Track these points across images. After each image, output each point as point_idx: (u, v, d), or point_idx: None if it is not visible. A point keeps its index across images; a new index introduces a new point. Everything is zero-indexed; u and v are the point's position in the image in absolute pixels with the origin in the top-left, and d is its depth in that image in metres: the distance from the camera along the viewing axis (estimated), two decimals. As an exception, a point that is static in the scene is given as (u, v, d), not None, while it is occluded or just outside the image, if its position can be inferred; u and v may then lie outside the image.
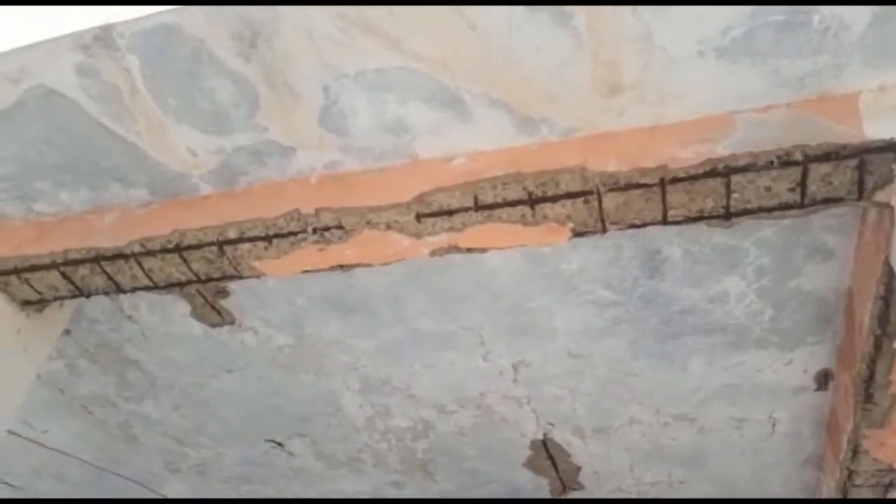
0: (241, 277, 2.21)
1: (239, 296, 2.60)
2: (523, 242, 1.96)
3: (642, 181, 1.82)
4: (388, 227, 1.97)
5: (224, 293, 2.58)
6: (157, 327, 2.80)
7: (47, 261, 2.26)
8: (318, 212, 2.02)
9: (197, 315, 2.72)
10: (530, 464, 3.53)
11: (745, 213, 1.83)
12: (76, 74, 1.87)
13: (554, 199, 1.85)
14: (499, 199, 1.89)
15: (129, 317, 2.76)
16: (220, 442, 3.61)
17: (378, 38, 1.69)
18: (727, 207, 1.82)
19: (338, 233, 2.02)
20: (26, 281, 2.32)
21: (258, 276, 2.19)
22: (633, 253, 2.27)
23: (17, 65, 1.87)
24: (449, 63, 1.73)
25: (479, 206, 1.90)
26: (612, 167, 1.83)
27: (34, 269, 2.28)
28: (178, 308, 2.69)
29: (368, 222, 1.97)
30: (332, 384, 3.09)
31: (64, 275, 2.28)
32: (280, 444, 3.59)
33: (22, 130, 2.04)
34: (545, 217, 1.88)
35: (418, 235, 1.97)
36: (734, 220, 1.85)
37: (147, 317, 2.75)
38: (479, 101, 1.82)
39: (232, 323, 2.74)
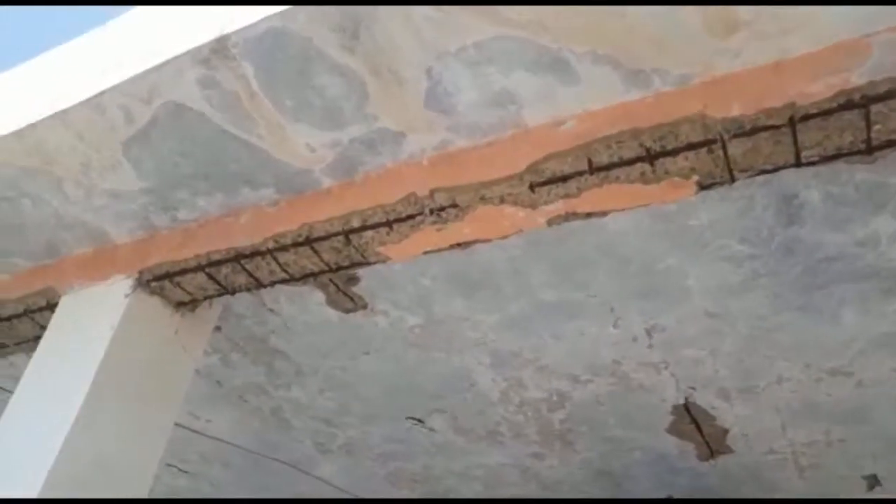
0: (368, 263, 2.29)
1: (368, 281, 2.69)
2: (645, 202, 1.88)
3: (769, 123, 1.69)
4: (502, 200, 1.96)
5: (354, 280, 2.68)
6: (297, 317, 2.97)
7: (193, 263, 2.45)
8: (432, 192, 2.05)
9: (331, 302, 2.85)
10: (673, 429, 3.42)
11: (890, 144, 1.66)
12: (199, 87, 2.00)
13: (674, 152, 1.77)
14: (615, 159, 1.83)
15: (271, 309, 2.94)
16: (365, 421, 3.79)
17: (473, 10, 1.67)
18: (868, 141, 1.66)
19: (453, 211, 2.04)
20: (178, 284, 2.53)
21: (384, 261, 2.26)
22: (766, 201, 2.13)
23: (147, 86, 2.03)
24: (548, 25, 1.68)
25: (594, 169, 1.85)
26: (734, 111, 1.72)
27: (183, 272, 2.48)
28: (314, 297, 2.83)
29: (482, 198, 1.98)
30: (464, 360, 3.14)
31: (209, 275, 2.46)
32: (421, 421, 3.71)
33: (158, 146, 2.22)
34: (667, 172, 1.80)
35: (533, 206, 1.95)
36: (877, 154, 1.68)
37: (287, 308, 2.92)
38: (584, 59, 1.77)
39: (364, 307, 2.85)
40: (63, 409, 2.21)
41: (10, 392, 3.88)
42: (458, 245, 2.12)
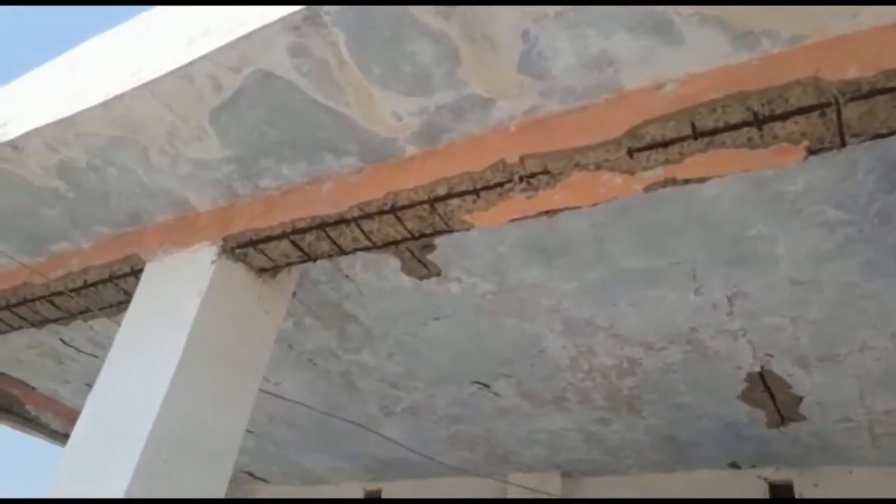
0: (451, 231, 2.28)
1: (443, 248, 2.69)
2: (749, 167, 1.82)
3: (890, 85, 1.61)
4: (598, 166, 1.92)
5: (430, 247, 2.69)
6: (372, 283, 2.99)
7: (278, 231, 2.47)
8: (522, 159, 2.02)
9: (406, 269, 2.86)
10: (745, 396, 3.38)
11: None
12: (289, 55, 1.99)
13: (784, 116, 1.70)
14: (720, 124, 1.77)
15: (347, 276, 2.97)
16: (430, 385, 3.83)
17: (582, -29, 1.62)
18: None
19: (545, 178, 2.01)
20: (261, 251, 2.56)
21: (467, 229, 2.25)
22: (869, 166, 2.04)
23: (236, 54, 2.03)
24: (658, -15, 1.62)
25: (697, 134, 1.79)
26: (851, 74, 1.64)
27: (267, 239, 2.51)
28: (389, 264, 2.84)
29: (577, 164, 1.94)
30: (535, 327, 3.13)
31: (293, 242, 2.49)
32: (486, 386, 3.74)
33: (245, 114, 2.22)
34: (775, 137, 1.74)
35: (631, 171, 1.91)
36: None
37: (362, 275, 2.95)
38: (690, 21, 1.70)
39: (438, 274, 2.86)
40: (158, 372, 2.28)
41: (88, 354, 4.03)
42: (547, 213, 2.09)
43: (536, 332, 3.17)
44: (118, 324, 3.32)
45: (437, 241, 2.64)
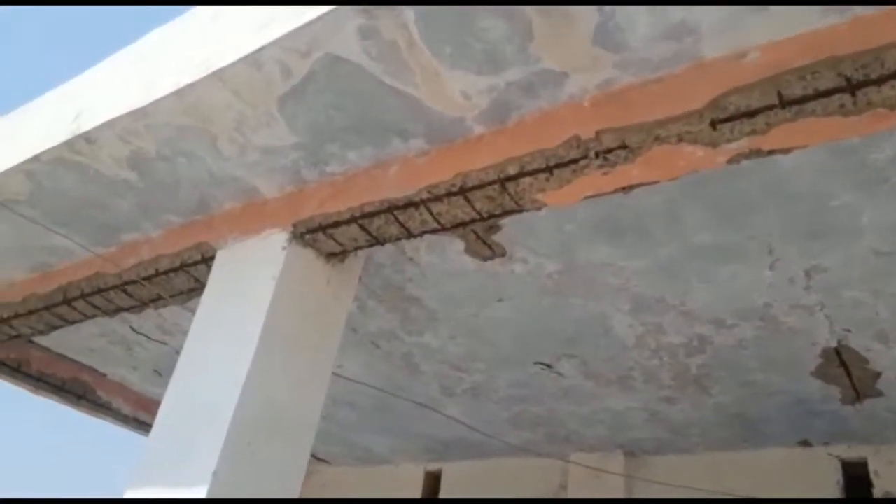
0: (521, 211, 2.26)
1: (509, 229, 2.67)
2: (841, 136, 1.75)
3: None
4: (680, 139, 1.87)
5: (495, 228, 2.67)
6: (435, 266, 2.99)
7: (346, 216, 2.48)
8: (598, 134, 1.98)
9: (470, 251, 2.85)
10: (819, 372, 3.29)
11: None
12: (358, 38, 1.98)
13: (880, 81, 1.62)
14: (809, 91, 1.70)
15: (411, 258, 2.97)
16: (492, 366, 3.83)
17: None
18: None
19: (622, 153, 1.96)
20: (330, 236, 2.58)
21: (539, 208, 2.23)
22: (966, 129, 1.94)
23: (306, 39, 2.03)
24: (746, -53, 1.55)
25: (785, 103, 1.72)
26: (955, 31, 1.55)
27: (336, 224, 2.52)
28: (453, 246, 2.84)
29: (657, 137, 1.89)
30: (601, 306, 3.10)
31: (362, 227, 2.50)
32: (549, 366, 3.72)
33: (313, 100, 2.23)
34: (869, 104, 1.66)
35: (714, 144, 1.85)
36: None
37: (426, 257, 2.95)
38: (778, -16, 1.63)
39: (503, 255, 2.84)
40: (237, 357, 2.32)
41: (156, 341, 4.14)
42: (624, 189, 2.05)
43: (603, 312, 3.13)
44: (190, 311, 3.40)
45: (503, 221, 2.62)
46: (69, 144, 2.63)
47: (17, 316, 3.70)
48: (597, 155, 1.98)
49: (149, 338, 4.15)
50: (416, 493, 5.63)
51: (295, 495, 2.33)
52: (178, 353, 4.23)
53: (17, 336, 3.95)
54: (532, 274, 2.94)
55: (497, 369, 3.86)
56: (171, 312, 3.76)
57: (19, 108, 3.17)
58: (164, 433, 2.36)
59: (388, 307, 3.39)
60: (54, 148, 2.66)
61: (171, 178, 2.72)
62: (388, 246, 2.80)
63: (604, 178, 2.03)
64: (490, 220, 2.35)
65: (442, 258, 2.93)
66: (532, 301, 3.14)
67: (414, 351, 3.80)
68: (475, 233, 2.72)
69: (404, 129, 2.29)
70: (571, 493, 4.82)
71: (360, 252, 2.76)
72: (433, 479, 5.71)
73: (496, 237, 2.73)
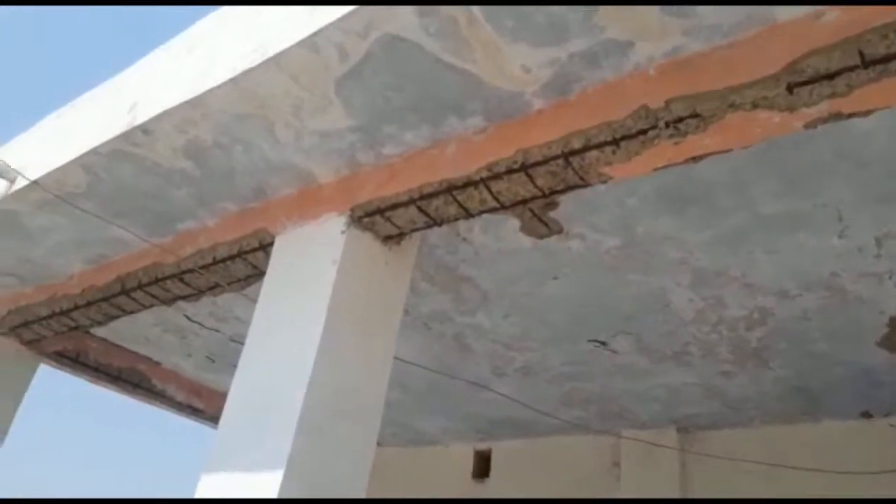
0: (586, 186, 2.22)
1: (566, 205, 2.63)
2: (929, 94, 1.68)
3: None
4: (755, 105, 1.81)
5: (553, 205, 2.63)
6: (489, 245, 2.97)
7: (405, 198, 2.47)
8: (668, 103, 1.93)
9: (525, 229, 2.82)
10: (886, 342, 3.20)
11: None
12: (417, 16, 1.95)
13: (971, 34, 1.54)
14: (893, 50, 1.62)
15: (465, 239, 2.96)
16: (545, 344, 3.81)
17: None
18: None
19: (693, 122, 1.91)
20: (388, 218, 2.57)
21: (604, 182, 2.19)
22: None
23: (364, 19, 2.01)
24: None
25: (867, 63, 1.65)
26: None
27: (394, 206, 2.51)
28: (508, 225, 2.81)
29: (731, 104, 1.83)
30: (661, 281, 3.05)
31: (420, 208, 2.48)
32: (603, 343, 3.68)
33: (370, 81, 2.21)
34: (960, 59, 1.58)
35: (791, 108, 1.78)
36: None
37: (480, 237, 2.92)
38: (862, -63, 1.56)
39: (559, 232, 2.80)
40: (304, 341, 2.34)
41: (210, 328, 4.20)
42: (694, 158, 2.00)
43: (662, 287, 3.09)
44: (245, 297, 3.45)
45: (561, 198, 2.58)
46: (126, 136, 2.66)
47: (76, 307, 3.78)
48: (667, 125, 1.93)
49: (202, 325, 4.22)
50: (466, 473, 5.67)
51: (365, 479, 2.35)
52: (231, 340, 4.33)
53: (76, 327, 4.03)
54: (589, 250, 2.90)
55: (550, 348, 3.84)
56: (224, 300, 3.80)
57: (72, 102, 3.21)
58: (236, 419, 2.39)
59: (441, 288, 3.39)
60: (111, 140, 2.69)
61: (227, 167, 2.74)
62: (443, 227, 2.80)
63: (674, 148, 1.98)
64: (551, 197, 2.31)
65: (496, 237, 2.91)
66: (588, 278, 3.10)
67: (466, 331, 3.79)
68: (532, 211, 2.68)
69: (462, 106, 2.26)
70: (625, 470, 4.80)
71: (415, 234, 2.75)
72: (483, 459, 5.74)
73: (553, 214, 2.70)
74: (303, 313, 2.42)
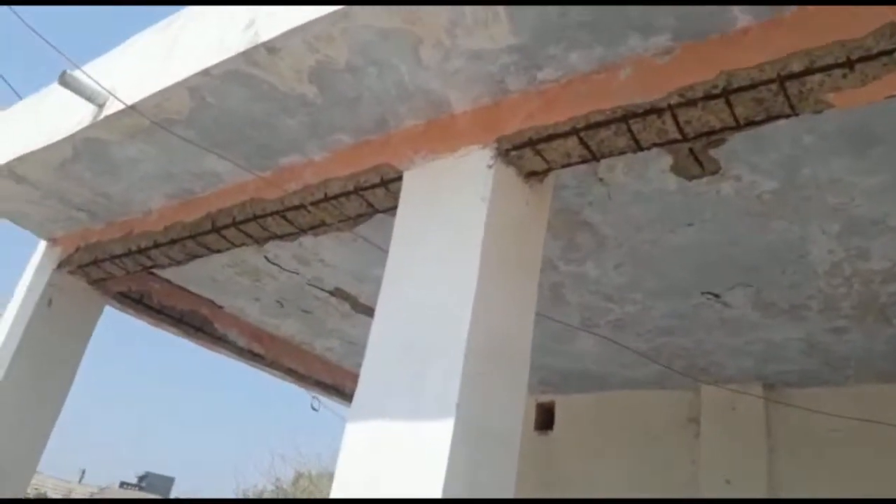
0: (793, 115, 1.98)
1: (733, 142, 2.39)
2: None
3: None
4: None
5: (719, 141, 2.39)
6: (628, 186, 2.74)
7: (565, 128, 2.23)
8: (923, 20, 1.68)
9: (677, 168, 2.58)
10: None
11: None
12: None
13: None
14: None
15: (601, 179, 2.73)
16: (651, 297, 3.62)
17: None
18: None
19: (955, 41, 1.66)
20: (538, 152, 2.34)
21: (821, 111, 1.94)
22: None
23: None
24: None
25: None
26: None
27: (550, 138, 2.27)
28: (657, 164, 2.57)
29: None
30: (805, 230, 2.83)
31: (581, 140, 2.25)
32: (717, 296, 3.49)
33: (548, -8, 1.95)
34: None
35: None
36: None
37: (620, 177, 2.69)
38: None
39: (714, 173, 2.57)
40: (459, 284, 2.13)
41: (290, 271, 4.00)
42: (938, 86, 1.75)
43: (804, 235, 2.87)
44: (338, 239, 3.24)
45: (738, 133, 2.31)
46: (247, 56, 2.40)
47: (156, 246, 3.57)
48: (920, 44, 1.68)
49: (281, 268, 4.02)
50: (528, 425, 5.55)
51: (519, 427, 2.18)
52: (309, 283, 4.13)
53: (152, 266, 3.84)
54: (740, 194, 2.67)
55: (655, 300, 3.64)
56: (312, 241, 3.60)
57: (168, 18, 2.93)
58: (384, 364, 2.20)
59: (554, 234, 3.16)
60: (229, 60, 2.43)
61: (353, 93, 2.49)
62: (581, 166, 2.56)
63: (922, 72, 1.73)
64: (744, 129, 2.07)
65: (640, 178, 2.68)
66: (727, 225, 2.88)
67: (566, 281, 3.59)
68: (690, 148, 2.44)
69: (649, 23, 2.00)
70: (704, 425, 4.68)
71: (552, 172, 2.51)
72: (545, 411, 5.63)
73: (713, 152, 2.46)
74: (452, 256, 2.21)
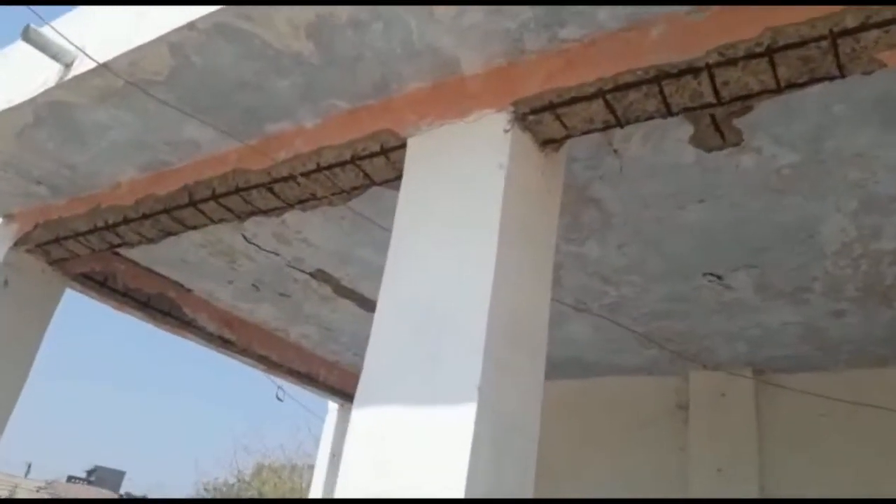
0: (838, 77, 1.85)
1: (759, 111, 2.26)
2: None
3: None
4: None
5: (745, 109, 2.26)
6: (643, 158, 2.59)
7: (591, 90, 2.07)
8: None
9: (696, 139, 2.44)
10: None
11: None
12: None
13: None
14: None
15: (615, 150, 2.57)
16: (651, 279, 3.50)
17: None
18: None
19: None
20: (558, 117, 2.17)
21: (869, 72, 1.82)
22: None
23: None
24: None
25: None
26: None
27: (573, 101, 2.11)
28: (676, 133, 2.43)
29: None
30: (820, 207, 2.73)
31: (608, 103, 2.09)
32: (719, 277, 3.39)
33: (581, -63, 1.78)
34: None
35: None
36: None
37: (635, 148, 2.54)
38: None
39: (735, 144, 2.44)
40: (476, 259, 1.96)
41: (268, 251, 3.77)
42: None
43: (818, 214, 2.77)
44: (323, 216, 3.03)
45: (767, 100, 2.17)
46: (237, 7, 2.17)
47: (125, 221, 3.30)
48: None
49: (260, 248, 3.78)
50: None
51: (538, 408, 2.03)
52: (289, 265, 3.91)
53: (121, 244, 3.56)
54: (759, 167, 2.55)
55: (654, 282, 3.53)
56: (295, 219, 3.38)
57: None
58: (393, 342, 2.01)
59: (559, 211, 3.01)
60: (218, 12, 2.20)
61: (354, 51, 2.28)
62: (594, 136, 2.41)
63: None
64: (784, 92, 1.94)
65: (656, 149, 2.53)
66: (740, 201, 2.77)
67: (565, 262, 3.45)
68: (713, 116, 2.31)
69: (687, -24, 1.85)
70: (693, 412, 4.61)
71: (568, 141, 2.35)
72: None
73: (737, 122, 2.33)
74: (468, 228, 2.03)
